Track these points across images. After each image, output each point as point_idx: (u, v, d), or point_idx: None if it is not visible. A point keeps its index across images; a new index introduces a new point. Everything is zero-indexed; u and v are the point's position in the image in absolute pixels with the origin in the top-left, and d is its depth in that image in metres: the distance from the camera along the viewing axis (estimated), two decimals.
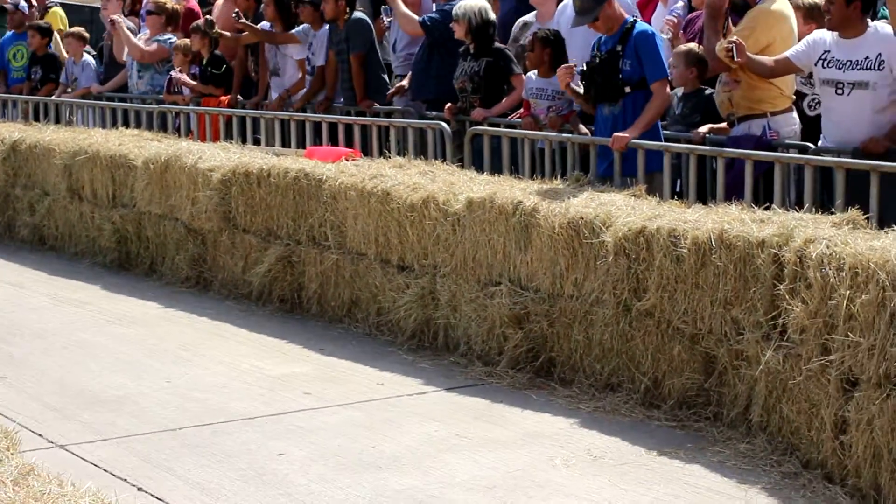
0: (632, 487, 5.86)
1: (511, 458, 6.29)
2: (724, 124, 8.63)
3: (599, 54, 8.63)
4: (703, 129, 8.58)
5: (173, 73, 13.03)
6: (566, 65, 8.85)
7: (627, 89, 8.56)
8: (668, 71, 8.74)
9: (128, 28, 13.68)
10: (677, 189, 8.59)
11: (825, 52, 7.97)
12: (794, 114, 8.53)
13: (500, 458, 6.29)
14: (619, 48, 8.53)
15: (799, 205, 7.34)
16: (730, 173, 8.14)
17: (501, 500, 5.73)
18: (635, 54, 8.48)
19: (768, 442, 6.19)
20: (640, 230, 6.91)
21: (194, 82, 12.83)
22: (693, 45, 8.94)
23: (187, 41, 12.99)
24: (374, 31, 11.65)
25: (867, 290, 5.50)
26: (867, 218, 6.49)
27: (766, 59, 8.26)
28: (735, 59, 8.02)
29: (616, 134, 8.43)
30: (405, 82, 11.32)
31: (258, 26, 12.34)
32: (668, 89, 8.62)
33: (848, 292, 5.60)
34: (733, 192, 7.81)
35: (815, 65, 8.05)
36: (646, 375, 6.97)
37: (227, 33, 12.63)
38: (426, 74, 10.93)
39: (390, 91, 11.36)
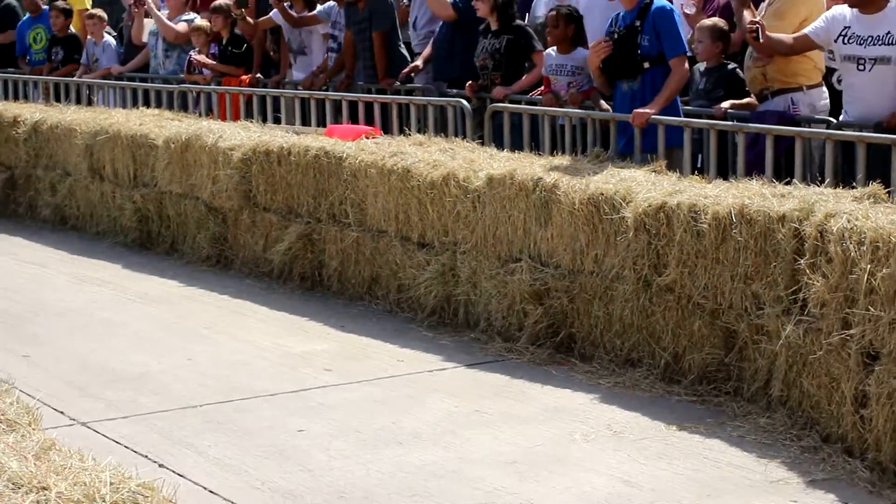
0: (652, 462, 5.86)
1: (531, 433, 6.29)
2: (747, 100, 8.61)
3: (618, 30, 8.60)
4: (725, 104, 8.55)
5: (192, 54, 13.05)
6: (602, 39, 8.76)
7: (646, 65, 8.53)
8: (688, 46, 8.71)
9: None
10: (698, 164, 8.57)
11: (845, 28, 7.93)
12: (825, 87, 8.51)
13: (520, 433, 6.29)
14: (637, 24, 8.49)
15: (821, 180, 7.31)
16: (753, 150, 8.11)
17: (521, 475, 5.74)
18: (654, 30, 8.45)
19: (788, 416, 6.18)
20: (661, 206, 6.89)
21: (213, 62, 12.84)
22: (718, 20, 8.91)
23: (206, 22, 13.01)
24: (395, 9, 11.64)
25: (888, 263, 5.48)
26: (888, 192, 6.45)
27: (786, 37, 8.24)
28: (759, 39, 8.01)
29: (637, 110, 8.40)
30: (419, 62, 11.27)
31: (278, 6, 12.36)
32: (686, 65, 8.58)
33: (869, 266, 5.57)
34: (756, 169, 7.79)
35: (836, 41, 8.01)
36: (666, 351, 6.95)
37: (250, 19, 12.64)
38: (449, 54, 10.91)
39: (403, 71, 11.27)
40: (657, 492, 5.51)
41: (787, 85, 8.41)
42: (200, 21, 13.16)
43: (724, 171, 8.08)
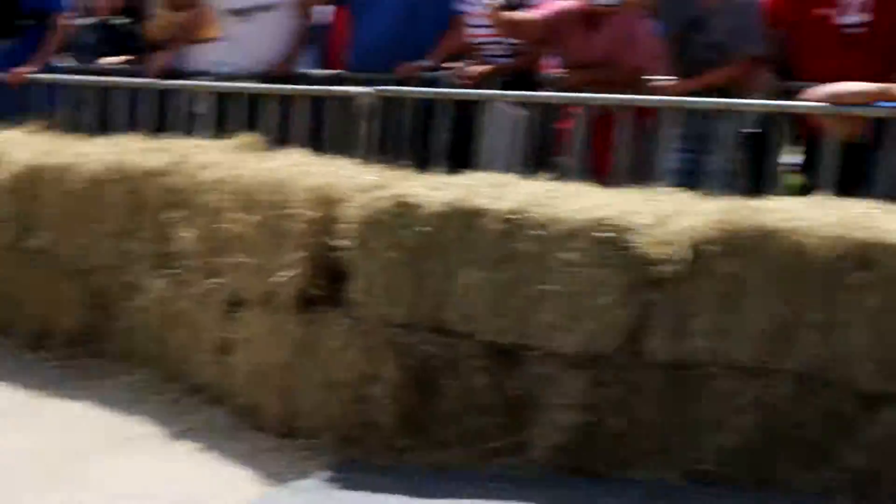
0: (18, 432, 5.56)
1: None
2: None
3: None
4: (105, 60, 8.37)
5: None
6: None
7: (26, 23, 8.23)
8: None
9: None
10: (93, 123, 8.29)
11: None
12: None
13: None
14: None
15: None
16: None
17: None
18: None
19: (156, 371, 6.08)
20: (33, 166, 6.59)
21: None
22: None
23: None
24: None
25: (254, 212, 5.45)
26: (266, 141, 6.44)
27: None
28: None
29: (14, 70, 8.08)
30: None
31: None
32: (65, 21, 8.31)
33: (237, 215, 5.52)
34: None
35: None
36: (35, 317, 6.68)
37: None
38: None
39: None
40: (20, 462, 5.21)
41: (201, 36, 8.30)
42: None
43: (104, 128, 7.84)
